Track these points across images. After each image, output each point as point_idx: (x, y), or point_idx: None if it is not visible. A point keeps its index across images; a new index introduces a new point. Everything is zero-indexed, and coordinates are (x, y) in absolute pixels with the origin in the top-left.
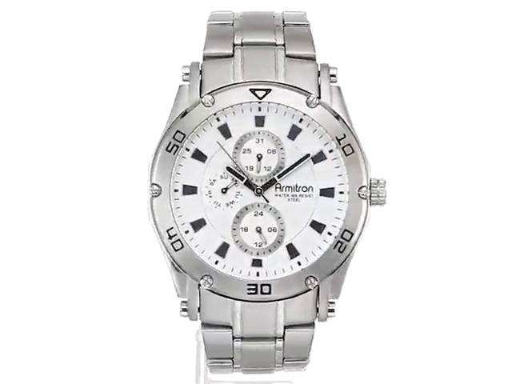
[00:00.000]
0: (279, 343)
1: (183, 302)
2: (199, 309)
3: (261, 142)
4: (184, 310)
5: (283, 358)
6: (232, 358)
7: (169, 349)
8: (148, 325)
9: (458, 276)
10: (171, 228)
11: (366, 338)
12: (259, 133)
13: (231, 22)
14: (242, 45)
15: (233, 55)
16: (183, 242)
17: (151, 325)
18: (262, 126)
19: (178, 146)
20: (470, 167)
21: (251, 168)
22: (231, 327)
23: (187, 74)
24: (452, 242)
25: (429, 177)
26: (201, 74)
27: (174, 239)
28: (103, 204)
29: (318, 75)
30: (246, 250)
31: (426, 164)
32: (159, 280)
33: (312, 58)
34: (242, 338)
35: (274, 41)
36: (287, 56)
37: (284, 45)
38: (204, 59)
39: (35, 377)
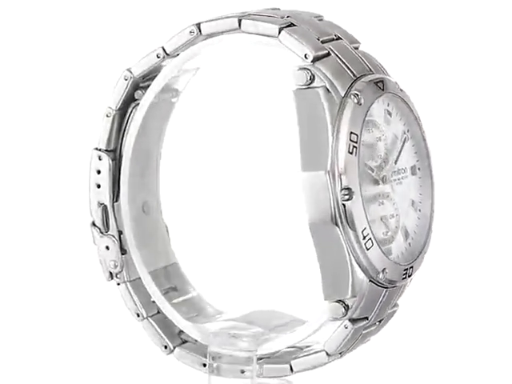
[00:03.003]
0: (378, 324)
1: (340, 301)
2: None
3: (371, 131)
4: (347, 308)
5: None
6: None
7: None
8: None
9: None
10: (365, 228)
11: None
12: (368, 122)
13: (288, 22)
14: (323, 42)
15: (329, 54)
16: (373, 240)
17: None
18: (369, 116)
19: (356, 148)
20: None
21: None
22: (368, 318)
23: (312, 77)
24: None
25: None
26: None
27: (366, 239)
28: None
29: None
30: (377, 241)
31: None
32: None
33: (359, 48)
34: (365, 327)
35: (333, 36)
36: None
37: (340, 38)
38: (313, 60)
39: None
